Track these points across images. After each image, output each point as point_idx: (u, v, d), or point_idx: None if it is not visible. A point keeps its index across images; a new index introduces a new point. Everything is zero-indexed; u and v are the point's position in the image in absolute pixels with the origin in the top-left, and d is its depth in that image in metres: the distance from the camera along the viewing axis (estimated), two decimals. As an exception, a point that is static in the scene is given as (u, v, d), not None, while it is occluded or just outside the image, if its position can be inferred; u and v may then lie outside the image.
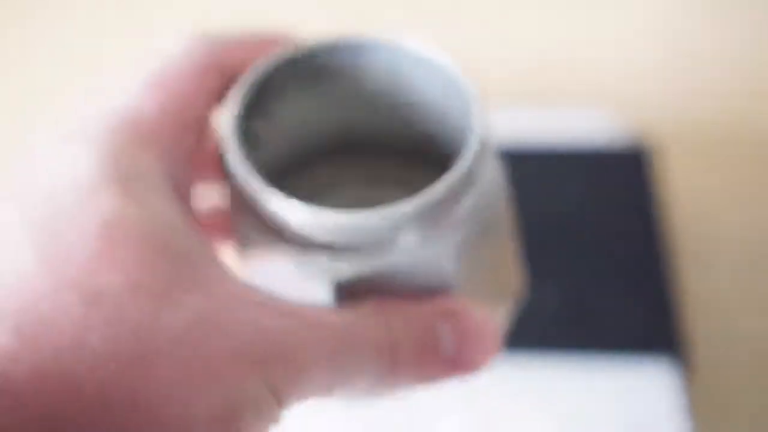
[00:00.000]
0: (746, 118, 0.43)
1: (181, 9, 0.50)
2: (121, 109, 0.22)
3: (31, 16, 0.51)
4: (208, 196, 0.27)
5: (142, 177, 0.20)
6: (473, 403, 0.32)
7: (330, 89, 0.25)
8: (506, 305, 0.25)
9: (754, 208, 0.40)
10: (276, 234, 0.22)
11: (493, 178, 0.23)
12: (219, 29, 0.24)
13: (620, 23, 0.47)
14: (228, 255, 0.25)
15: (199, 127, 0.22)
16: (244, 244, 0.23)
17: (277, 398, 0.19)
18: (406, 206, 0.20)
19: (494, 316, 0.24)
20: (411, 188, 0.28)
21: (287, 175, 0.27)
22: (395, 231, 0.21)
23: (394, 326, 0.21)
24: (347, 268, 0.21)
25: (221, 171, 0.23)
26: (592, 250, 0.35)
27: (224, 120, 0.23)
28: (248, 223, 0.22)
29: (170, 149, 0.22)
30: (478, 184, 0.22)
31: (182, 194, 0.22)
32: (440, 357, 0.22)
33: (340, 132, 0.27)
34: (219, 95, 0.23)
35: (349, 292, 0.22)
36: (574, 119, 0.40)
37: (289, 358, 0.19)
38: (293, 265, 0.22)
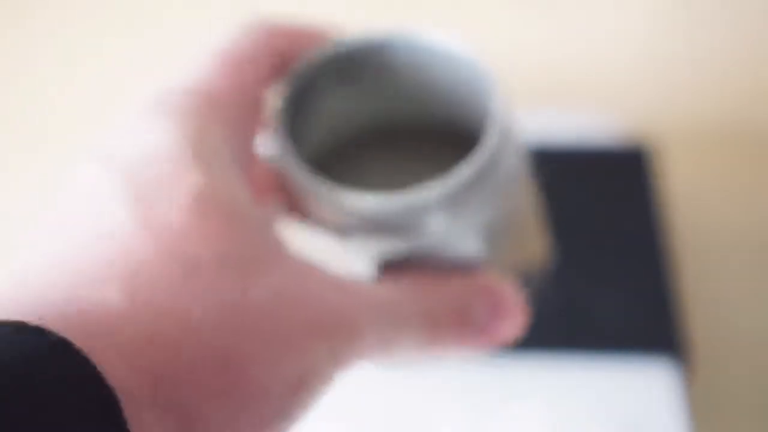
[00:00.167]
0: (746, 118, 0.43)
1: (182, 9, 0.50)
2: (195, 85, 0.23)
3: (32, 15, 0.51)
4: None
5: (219, 153, 0.22)
6: (473, 403, 0.32)
7: (362, 82, 0.28)
8: (532, 274, 0.28)
9: (754, 208, 0.40)
10: (321, 215, 0.24)
11: (514, 157, 0.25)
12: (267, 16, 0.26)
13: (620, 23, 0.47)
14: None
15: (258, 106, 0.24)
16: (295, 222, 0.26)
17: (337, 364, 0.21)
18: (434, 188, 0.23)
19: (520, 286, 0.27)
20: (439, 171, 0.30)
21: (321, 162, 0.29)
22: (426, 212, 0.23)
23: (433, 301, 0.23)
24: (385, 247, 0.24)
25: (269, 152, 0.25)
26: (592, 249, 0.35)
27: (274, 107, 0.25)
28: (296, 205, 0.25)
29: (236, 126, 0.23)
30: (501, 164, 0.24)
31: (243, 169, 0.23)
32: (473, 328, 0.24)
33: (371, 121, 0.30)
34: (272, 77, 0.25)
35: (387, 267, 0.24)
36: (574, 119, 0.40)
37: (349, 328, 0.21)
38: (337, 243, 0.24)
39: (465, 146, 0.29)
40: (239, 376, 0.19)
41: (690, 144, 0.42)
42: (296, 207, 0.25)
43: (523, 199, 0.26)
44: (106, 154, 0.21)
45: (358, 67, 0.27)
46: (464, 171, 0.23)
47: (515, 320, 0.25)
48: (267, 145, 0.25)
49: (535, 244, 0.28)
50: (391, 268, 0.25)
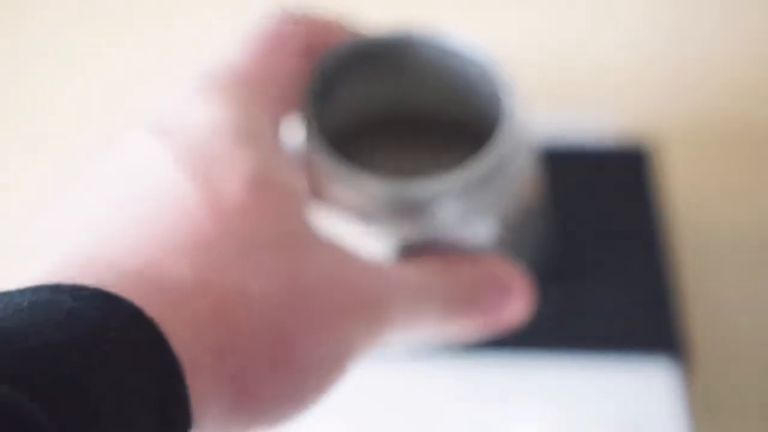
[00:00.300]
0: (746, 118, 0.43)
1: (182, 9, 0.50)
2: (234, 68, 0.24)
3: (32, 15, 0.51)
4: None
5: (265, 135, 0.23)
6: (473, 402, 0.32)
7: (380, 76, 0.29)
8: (538, 259, 0.30)
9: (755, 208, 0.40)
10: (343, 200, 0.26)
11: (526, 151, 0.27)
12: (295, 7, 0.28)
13: (620, 23, 0.47)
14: None
15: (287, 93, 0.25)
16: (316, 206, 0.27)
17: (369, 342, 0.22)
18: (453, 176, 0.25)
19: (527, 269, 0.28)
20: (444, 167, 0.31)
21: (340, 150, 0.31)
22: (444, 198, 0.25)
23: (450, 283, 0.25)
24: (403, 232, 0.26)
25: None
26: (592, 249, 0.35)
27: (301, 93, 0.26)
28: (321, 188, 0.26)
29: (272, 110, 0.24)
30: (515, 158, 0.26)
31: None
32: (485, 308, 0.26)
33: (384, 114, 0.31)
34: (299, 65, 0.26)
35: (404, 252, 0.26)
36: (574, 119, 0.40)
37: (381, 308, 0.22)
38: (357, 228, 0.26)
39: (473, 144, 0.30)
40: (289, 351, 0.20)
41: (690, 144, 0.42)
42: (317, 192, 0.26)
43: (532, 193, 0.28)
44: (164, 129, 0.22)
45: (377, 61, 0.28)
46: (481, 162, 0.25)
47: (523, 302, 0.26)
48: (290, 131, 0.26)
49: (539, 231, 0.30)
50: (408, 252, 0.26)
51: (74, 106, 0.46)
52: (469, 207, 0.26)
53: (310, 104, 0.26)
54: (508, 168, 0.26)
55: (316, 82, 0.26)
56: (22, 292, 0.17)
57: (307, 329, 0.20)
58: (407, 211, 0.25)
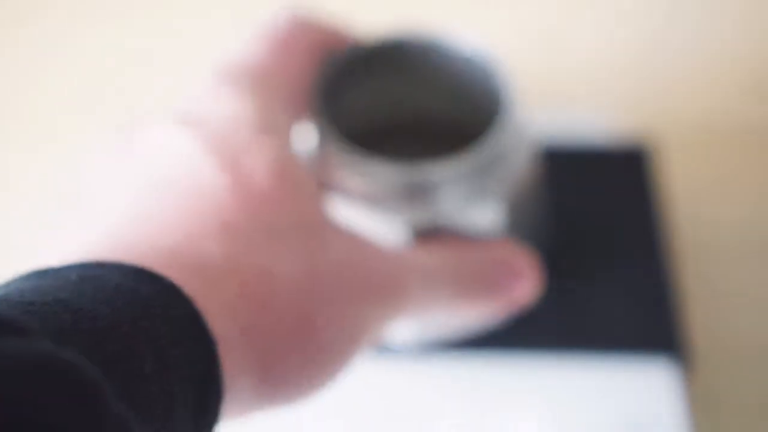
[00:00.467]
0: (746, 118, 0.43)
1: (183, 9, 0.50)
2: (252, 65, 0.25)
3: (32, 15, 0.51)
4: None
5: (283, 128, 0.24)
6: (472, 402, 0.32)
7: (384, 77, 0.30)
8: (539, 243, 0.31)
9: (755, 208, 0.40)
10: (353, 187, 0.27)
11: (524, 138, 0.28)
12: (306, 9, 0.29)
13: (620, 23, 0.47)
14: None
15: (298, 90, 0.27)
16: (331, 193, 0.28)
17: (386, 324, 0.23)
18: (461, 160, 0.26)
19: (531, 253, 0.29)
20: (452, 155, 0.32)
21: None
22: (451, 183, 0.26)
23: (460, 266, 0.26)
24: (411, 218, 0.27)
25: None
26: (592, 249, 0.35)
27: (312, 90, 0.27)
28: (333, 179, 0.27)
29: (287, 103, 0.25)
30: (513, 145, 0.28)
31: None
32: (495, 290, 0.27)
33: (390, 114, 0.32)
34: (308, 65, 0.27)
35: (413, 237, 0.27)
36: (573, 119, 0.40)
37: (397, 290, 0.23)
38: (368, 215, 0.27)
39: (474, 144, 0.31)
40: (310, 331, 0.21)
41: (690, 144, 0.42)
42: (329, 183, 0.27)
43: (530, 177, 0.29)
44: (192, 120, 0.23)
45: (381, 63, 0.30)
46: (486, 146, 0.26)
47: (532, 283, 0.28)
48: (297, 136, 0.27)
49: (538, 216, 0.31)
50: (419, 238, 0.27)
51: (74, 106, 0.46)
52: (475, 191, 0.27)
53: (320, 101, 0.27)
54: (511, 155, 0.27)
55: (324, 83, 0.28)
56: (69, 268, 0.18)
57: (327, 311, 0.21)
58: (417, 195, 0.26)
